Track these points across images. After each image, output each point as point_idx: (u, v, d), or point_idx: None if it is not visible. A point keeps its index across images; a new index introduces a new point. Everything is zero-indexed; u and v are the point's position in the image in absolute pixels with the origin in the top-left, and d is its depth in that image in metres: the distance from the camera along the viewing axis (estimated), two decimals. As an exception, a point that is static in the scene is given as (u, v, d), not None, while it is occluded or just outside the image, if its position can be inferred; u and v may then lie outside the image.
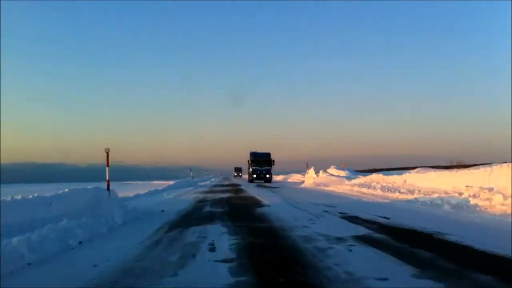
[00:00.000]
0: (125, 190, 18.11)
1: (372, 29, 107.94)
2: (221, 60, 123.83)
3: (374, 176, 21.89)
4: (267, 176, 34.96)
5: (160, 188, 22.39)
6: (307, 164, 31.00)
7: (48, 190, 9.38)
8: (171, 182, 27.60)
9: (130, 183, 36.15)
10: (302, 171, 35.82)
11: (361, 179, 21.90)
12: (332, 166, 30.67)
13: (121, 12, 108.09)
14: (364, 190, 17.85)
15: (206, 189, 24.27)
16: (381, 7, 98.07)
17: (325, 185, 23.99)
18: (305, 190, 22.60)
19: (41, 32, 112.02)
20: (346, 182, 22.92)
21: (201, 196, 17.79)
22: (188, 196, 17.53)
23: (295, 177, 42.84)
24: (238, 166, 74.65)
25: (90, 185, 9.53)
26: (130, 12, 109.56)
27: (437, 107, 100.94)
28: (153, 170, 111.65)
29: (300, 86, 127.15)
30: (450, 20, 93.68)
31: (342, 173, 28.64)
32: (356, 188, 19.21)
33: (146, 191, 18.97)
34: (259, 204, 13.06)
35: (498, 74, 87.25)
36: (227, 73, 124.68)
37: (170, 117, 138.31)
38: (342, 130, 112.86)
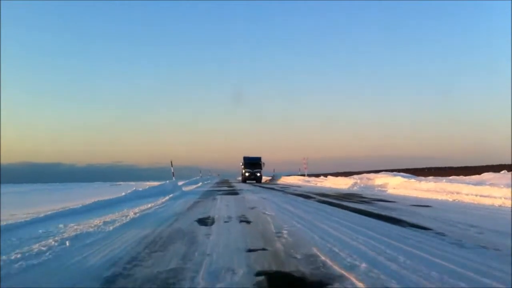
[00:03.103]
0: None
1: (371, 28, 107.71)
2: (222, 60, 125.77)
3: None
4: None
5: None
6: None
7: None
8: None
9: (120, 184, 34.86)
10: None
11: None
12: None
13: (120, 11, 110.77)
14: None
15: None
16: (380, 6, 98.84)
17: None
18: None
19: (38, 31, 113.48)
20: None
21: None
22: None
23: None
24: (252, 156, 44.07)
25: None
26: (129, 12, 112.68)
27: (435, 106, 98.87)
28: (152, 170, 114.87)
29: (299, 86, 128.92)
30: (450, 20, 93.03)
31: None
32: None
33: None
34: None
35: (498, 74, 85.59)
36: (226, 73, 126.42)
37: (169, 117, 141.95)
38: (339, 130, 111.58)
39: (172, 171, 21.45)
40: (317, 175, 45.15)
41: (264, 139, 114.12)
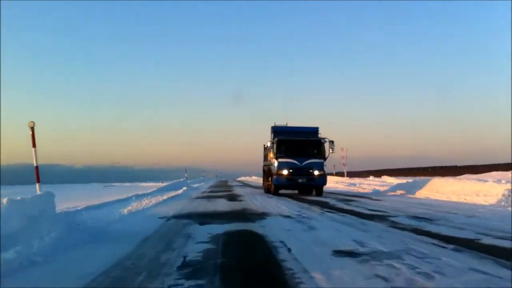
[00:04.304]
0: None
1: (371, 28, 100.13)
2: (222, 60, 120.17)
3: None
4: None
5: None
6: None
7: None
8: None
9: (115, 185, 34.46)
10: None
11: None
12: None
13: (120, 11, 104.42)
14: None
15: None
16: (380, 6, 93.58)
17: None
18: None
19: (38, 31, 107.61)
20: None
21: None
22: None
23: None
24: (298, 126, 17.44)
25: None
26: (129, 12, 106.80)
27: (435, 106, 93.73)
28: (151, 171, 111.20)
29: (299, 86, 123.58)
30: (450, 20, 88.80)
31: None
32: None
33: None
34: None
35: (497, 74, 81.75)
36: (226, 73, 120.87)
37: (167, 117, 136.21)
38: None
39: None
40: (361, 174, 31.51)
41: (264, 138, 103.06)
